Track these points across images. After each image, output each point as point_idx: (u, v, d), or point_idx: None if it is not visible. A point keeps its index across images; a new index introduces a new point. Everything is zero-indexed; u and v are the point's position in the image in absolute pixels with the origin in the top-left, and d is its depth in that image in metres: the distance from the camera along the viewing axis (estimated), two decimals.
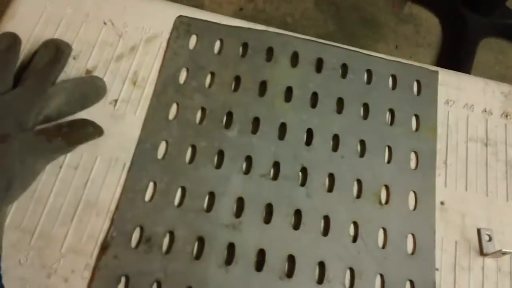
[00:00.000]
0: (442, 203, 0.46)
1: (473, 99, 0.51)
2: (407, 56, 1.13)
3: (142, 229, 0.42)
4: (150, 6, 0.52)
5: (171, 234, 0.42)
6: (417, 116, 0.49)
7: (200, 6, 1.01)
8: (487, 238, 0.44)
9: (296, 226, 0.44)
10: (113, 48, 0.49)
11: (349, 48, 0.52)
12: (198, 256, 0.41)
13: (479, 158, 0.48)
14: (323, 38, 0.52)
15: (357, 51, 0.52)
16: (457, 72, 0.53)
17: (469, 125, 0.50)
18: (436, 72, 0.52)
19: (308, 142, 0.47)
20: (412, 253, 0.43)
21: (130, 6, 0.52)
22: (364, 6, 1.14)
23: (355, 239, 0.44)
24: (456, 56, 1.11)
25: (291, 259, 0.42)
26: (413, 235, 0.44)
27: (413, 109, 0.50)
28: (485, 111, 0.51)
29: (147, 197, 0.43)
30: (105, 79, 0.47)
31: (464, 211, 0.46)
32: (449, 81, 0.52)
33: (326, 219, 0.44)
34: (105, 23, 0.50)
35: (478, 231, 0.45)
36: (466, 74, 0.53)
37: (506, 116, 0.51)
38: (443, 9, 1.19)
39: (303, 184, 0.45)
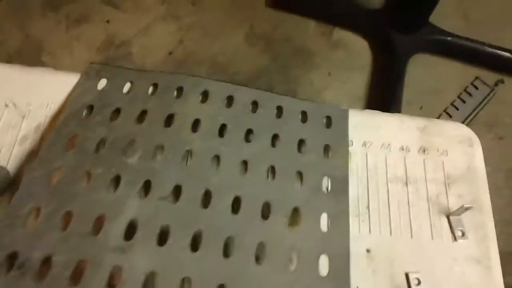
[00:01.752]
0: (368, 250, 0.45)
1: (389, 137, 0.51)
2: (341, 81, 1.14)
3: (17, 255, 0.39)
4: (54, 80, 0.50)
5: (49, 259, 0.39)
6: (328, 146, 0.49)
7: (128, 55, 0.99)
8: (416, 282, 0.44)
9: (196, 248, 0.41)
10: (16, 130, 0.47)
11: (259, 90, 0.52)
12: (77, 282, 0.38)
13: (400, 198, 0.48)
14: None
15: (267, 92, 0.52)
16: (371, 111, 0.53)
17: (388, 166, 0.49)
18: (346, 109, 0.52)
19: (215, 168, 0.46)
20: (325, 274, 0.41)
21: (33, 82, 0.50)
22: (294, 36, 1.14)
23: (261, 260, 0.41)
24: (387, 75, 1.13)
25: (188, 283, 0.39)
26: (326, 256, 0.42)
27: (324, 139, 0.49)
28: (403, 148, 0.51)
29: (29, 222, 0.40)
30: (9, 166, 0.45)
31: (392, 257, 0.45)
32: (364, 123, 0.52)
33: (230, 240, 0.41)
34: (6, 105, 0.48)
35: (406, 275, 0.44)
36: (381, 113, 0.53)
37: (424, 151, 0.51)
38: (369, 31, 1.21)
39: (206, 206, 0.43)
